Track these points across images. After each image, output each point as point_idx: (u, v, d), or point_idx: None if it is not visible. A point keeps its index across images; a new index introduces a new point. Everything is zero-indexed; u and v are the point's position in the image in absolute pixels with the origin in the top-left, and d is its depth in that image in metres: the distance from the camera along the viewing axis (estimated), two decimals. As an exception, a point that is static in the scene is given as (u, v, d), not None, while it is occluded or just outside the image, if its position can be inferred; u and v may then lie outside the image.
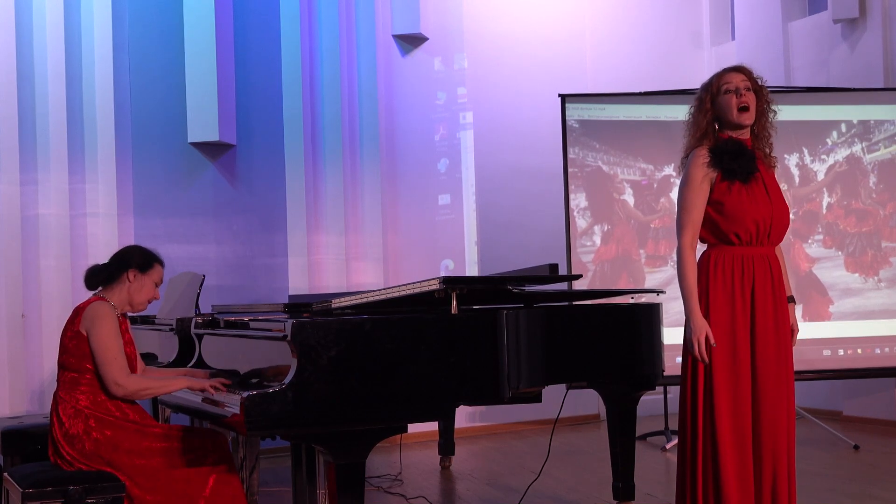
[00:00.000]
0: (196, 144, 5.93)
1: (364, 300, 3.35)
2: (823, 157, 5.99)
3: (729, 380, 2.98)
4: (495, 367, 2.97)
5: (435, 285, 3.01)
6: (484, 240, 6.80)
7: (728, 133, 3.09)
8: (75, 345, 3.16)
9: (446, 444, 5.43)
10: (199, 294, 3.84)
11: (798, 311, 5.73)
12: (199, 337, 3.71)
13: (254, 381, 3.20)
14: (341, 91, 6.27)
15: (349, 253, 6.27)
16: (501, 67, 6.95)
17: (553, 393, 4.03)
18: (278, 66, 6.16)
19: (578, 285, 5.67)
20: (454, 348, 2.91)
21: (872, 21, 6.39)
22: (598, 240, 6.00)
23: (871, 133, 5.99)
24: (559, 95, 6.03)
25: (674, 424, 5.79)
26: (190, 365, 3.71)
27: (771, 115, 3.14)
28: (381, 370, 2.79)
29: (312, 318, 2.93)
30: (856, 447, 5.59)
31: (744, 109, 3.04)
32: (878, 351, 5.85)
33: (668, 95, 6.02)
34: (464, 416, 6.54)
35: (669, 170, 5.94)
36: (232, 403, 2.87)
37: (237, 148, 6.07)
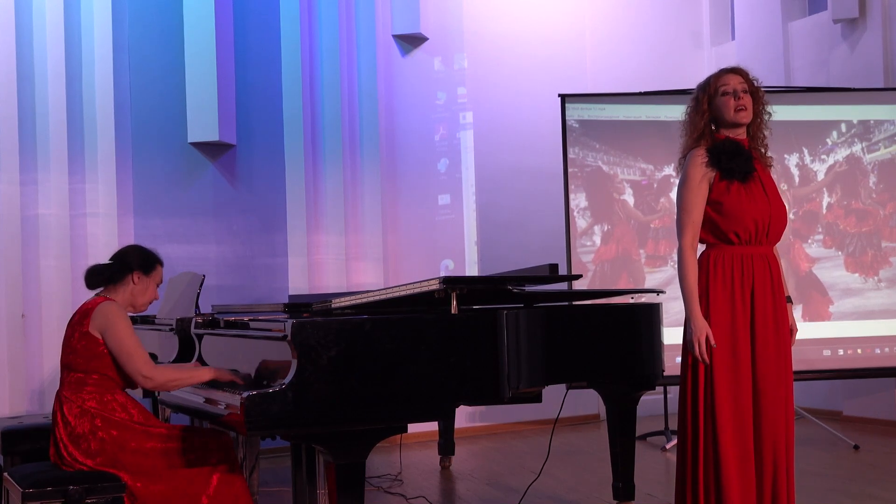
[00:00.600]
0: (196, 144, 5.93)
1: (364, 300, 3.35)
2: (823, 157, 5.99)
3: (729, 379, 2.99)
4: (495, 367, 2.97)
5: (435, 285, 3.01)
6: (484, 240, 6.80)
7: (725, 133, 3.11)
8: (84, 346, 3.16)
9: (446, 444, 5.43)
10: (199, 294, 3.84)
11: (798, 311, 5.75)
12: (199, 337, 3.71)
13: (254, 381, 3.20)
14: (341, 91, 6.27)
15: (349, 253, 6.27)
16: (501, 67, 6.96)
17: (553, 393, 4.03)
18: (278, 66, 6.16)
19: (578, 285, 5.67)
20: (454, 348, 2.91)
21: (872, 21, 6.39)
22: (598, 240, 6.00)
23: (871, 133, 5.99)
24: (559, 95, 6.03)
25: (674, 424, 5.79)
26: (190, 365, 3.71)
27: (766, 115, 3.15)
28: (381, 370, 2.79)
29: (312, 318, 2.93)
30: (856, 447, 5.59)
31: (741, 110, 3.06)
32: (878, 351, 5.85)
33: (668, 95, 6.02)
34: (464, 416, 6.54)
35: (669, 170, 5.94)
36: (232, 403, 2.87)
37: (237, 148, 6.08)
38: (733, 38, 7.65)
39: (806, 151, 5.98)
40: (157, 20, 5.87)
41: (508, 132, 6.93)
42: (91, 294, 3.37)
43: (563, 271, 5.24)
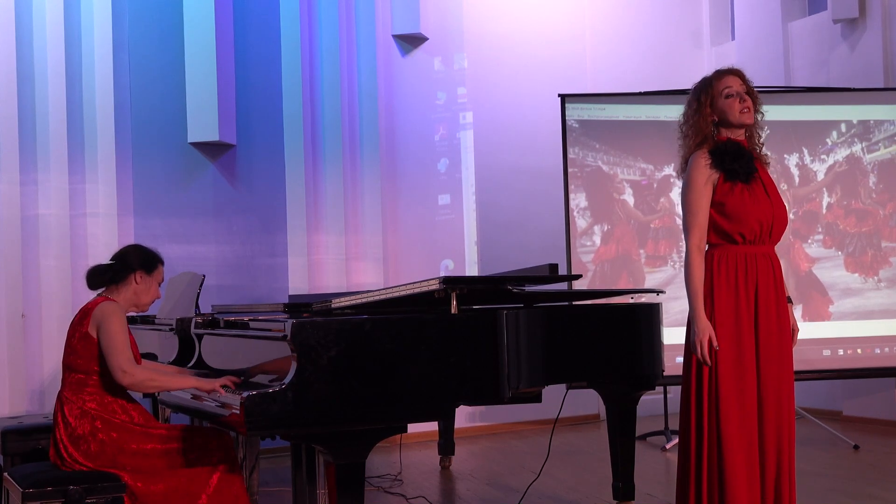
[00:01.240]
0: (196, 144, 5.93)
1: (364, 300, 3.35)
2: (823, 157, 5.99)
3: (734, 378, 2.99)
4: (495, 367, 2.97)
5: (435, 285, 3.01)
6: (484, 240, 6.80)
7: (726, 134, 3.12)
8: (83, 346, 3.17)
9: (446, 444, 5.43)
10: (199, 294, 3.84)
11: (798, 311, 5.75)
12: (199, 337, 3.71)
13: (254, 381, 3.20)
14: (341, 91, 6.27)
15: (349, 253, 6.27)
16: (501, 67, 6.96)
17: (553, 393, 4.03)
18: (278, 66, 6.16)
19: (578, 285, 5.66)
20: (454, 348, 2.91)
21: (872, 21, 6.39)
22: (598, 240, 6.00)
23: (870, 133, 5.99)
24: (559, 95, 6.03)
25: (674, 424, 5.79)
26: (189, 365, 3.71)
27: (759, 115, 3.17)
28: (381, 370, 2.79)
29: (312, 318, 2.93)
30: (856, 447, 5.59)
31: (746, 111, 3.08)
32: (877, 351, 5.85)
33: (668, 95, 6.02)
34: (464, 416, 6.54)
35: (669, 170, 5.94)
36: (232, 403, 2.87)
37: (237, 148, 6.08)
38: (733, 38, 7.65)
39: (806, 151, 5.98)
40: (157, 20, 5.87)
41: (508, 132, 6.93)
42: (93, 295, 3.37)
43: (563, 271, 5.24)
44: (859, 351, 5.85)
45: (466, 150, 6.82)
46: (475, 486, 4.95)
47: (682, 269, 3.14)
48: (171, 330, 3.85)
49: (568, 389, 4.47)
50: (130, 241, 5.43)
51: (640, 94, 6.09)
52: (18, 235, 5.26)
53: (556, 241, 6.20)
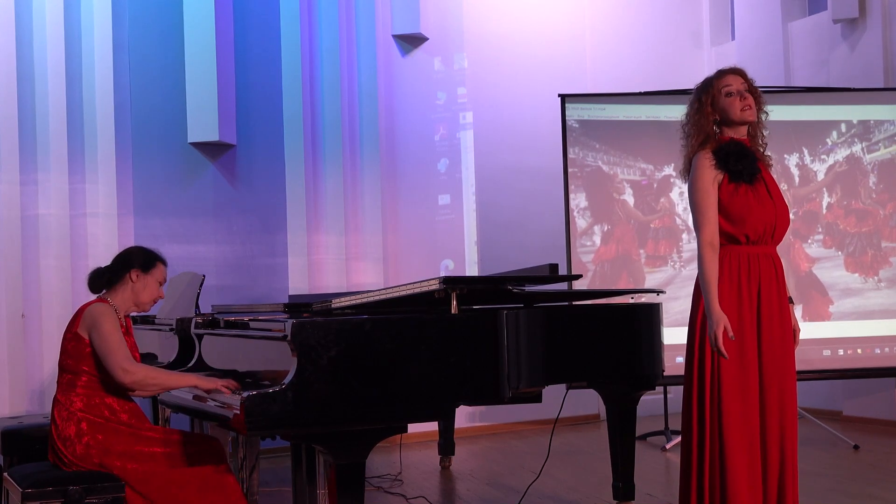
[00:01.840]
0: (196, 144, 5.93)
1: (364, 300, 3.35)
2: (823, 157, 5.99)
3: (737, 377, 2.99)
4: (495, 367, 2.97)
5: (435, 285, 3.01)
6: (484, 240, 6.80)
7: (729, 134, 3.12)
8: (73, 346, 3.17)
9: (446, 444, 5.43)
10: (199, 294, 3.84)
11: (798, 310, 5.74)
12: (199, 337, 3.71)
13: (254, 380, 3.20)
14: (341, 91, 6.27)
15: (349, 253, 6.27)
16: (501, 67, 6.96)
17: (553, 393, 4.03)
18: (278, 66, 6.16)
19: (578, 285, 5.66)
20: (454, 348, 2.91)
21: (872, 21, 6.40)
22: (598, 240, 6.00)
23: (870, 133, 5.99)
24: (559, 95, 6.03)
25: (674, 424, 5.79)
26: (190, 365, 3.71)
27: (763, 115, 3.16)
28: (381, 370, 2.79)
29: (312, 318, 2.93)
30: (856, 447, 5.59)
31: (747, 109, 3.09)
32: (877, 351, 5.85)
33: (668, 95, 6.02)
34: (464, 416, 6.54)
35: (669, 170, 5.94)
36: (232, 403, 2.87)
37: (237, 148, 6.07)
38: (733, 38, 7.65)
39: (806, 151, 5.98)
40: (157, 20, 5.87)
41: (508, 132, 6.93)
42: (93, 297, 3.37)
43: (563, 271, 5.24)
44: (859, 351, 5.85)
45: (466, 150, 6.82)
46: (475, 486, 4.95)
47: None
48: (171, 330, 3.85)
49: (568, 389, 4.47)
50: (130, 241, 5.45)
51: (640, 94, 6.09)
52: (18, 235, 5.26)
53: (556, 241, 6.20)
